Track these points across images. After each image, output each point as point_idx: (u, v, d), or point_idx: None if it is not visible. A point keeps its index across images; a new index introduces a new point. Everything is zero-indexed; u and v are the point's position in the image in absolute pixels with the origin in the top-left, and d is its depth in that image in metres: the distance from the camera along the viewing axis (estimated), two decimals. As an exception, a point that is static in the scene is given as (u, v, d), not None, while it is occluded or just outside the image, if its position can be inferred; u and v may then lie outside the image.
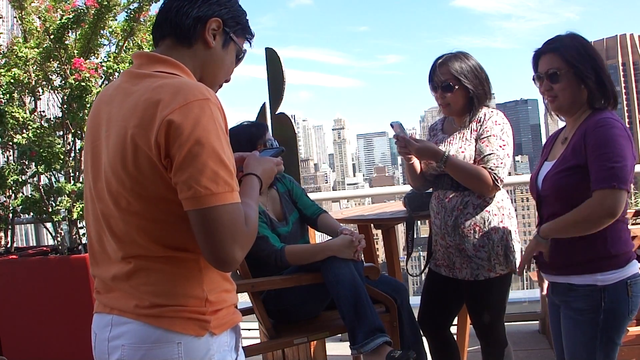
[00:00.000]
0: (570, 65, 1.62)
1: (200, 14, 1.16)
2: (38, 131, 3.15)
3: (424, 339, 2.31)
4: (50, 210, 3.24)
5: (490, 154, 2.04)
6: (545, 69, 1.66)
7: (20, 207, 3.33)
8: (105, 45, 3.39)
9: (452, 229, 2.11)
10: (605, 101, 1.63)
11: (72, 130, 3.26)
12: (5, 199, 3.40)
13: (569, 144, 1.65)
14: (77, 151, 3.29)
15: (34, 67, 3.29)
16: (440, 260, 2.20)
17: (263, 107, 3.31)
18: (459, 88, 2.08)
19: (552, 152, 1.77)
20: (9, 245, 3.48)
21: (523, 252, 2.09)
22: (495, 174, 2.03)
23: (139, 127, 1.02)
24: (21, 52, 3.19)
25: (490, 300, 2.13)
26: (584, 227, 1.55)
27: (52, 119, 3.37)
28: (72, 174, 3.26)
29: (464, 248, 2.10)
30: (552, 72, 1.64)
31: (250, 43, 1.28)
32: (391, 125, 2.15)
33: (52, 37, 3.15)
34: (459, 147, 2.11)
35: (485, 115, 2.11)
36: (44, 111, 3.46)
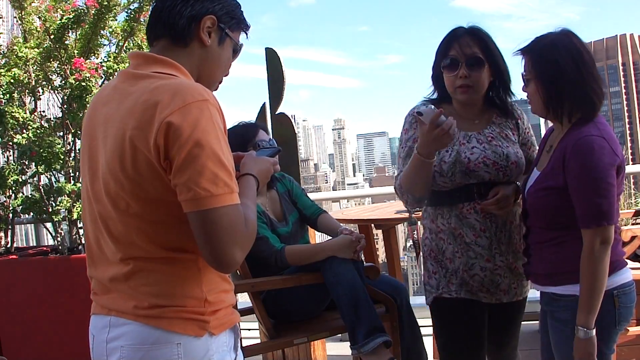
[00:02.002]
0: (536, 71, 1.54)
1: (193, 13, 1.13)
2: (38, 131, 3.15)
3: (424, 339, 2.31)
4: (50, 210, 3.24)
5: None
6: (522, 71, 1.60)
7: (20, 207, 3.33)
8: (105, 45, 3.39)
9: (507, 246, 1.75)
10: (583, 112, 1.51)
11: (72, 130, 3.26)
12: (5, 199, 3.40)
13: (550, 159, 1.58)
14: (77, 151, 3.29)
15: (34, 67, 3.29)
16: (479, 287, 1.76)
17: (263, 107, 3.31)
18: (488, 67, 1.71)
19: (540, 159, 1.68)
20: (9, 245, 3.47)
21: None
22: None
23: (138, 128, 1.01)
24: (21, 52, 3.19)
25: (523, 316, 1.93)
26: (601, 275, 1.46)
27: (52, 119, 3.37)
28: (72, 174, 3.26)
29: (516, 266, 1.77)
30: (524, 75, 1.59)
31: (246, 34, 1.24)
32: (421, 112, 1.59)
33: (52, 37, 3.15)
34: (512, 150, 1.77)
35: (519, 112, 1.86)
36: (44, 111, 3.46)
